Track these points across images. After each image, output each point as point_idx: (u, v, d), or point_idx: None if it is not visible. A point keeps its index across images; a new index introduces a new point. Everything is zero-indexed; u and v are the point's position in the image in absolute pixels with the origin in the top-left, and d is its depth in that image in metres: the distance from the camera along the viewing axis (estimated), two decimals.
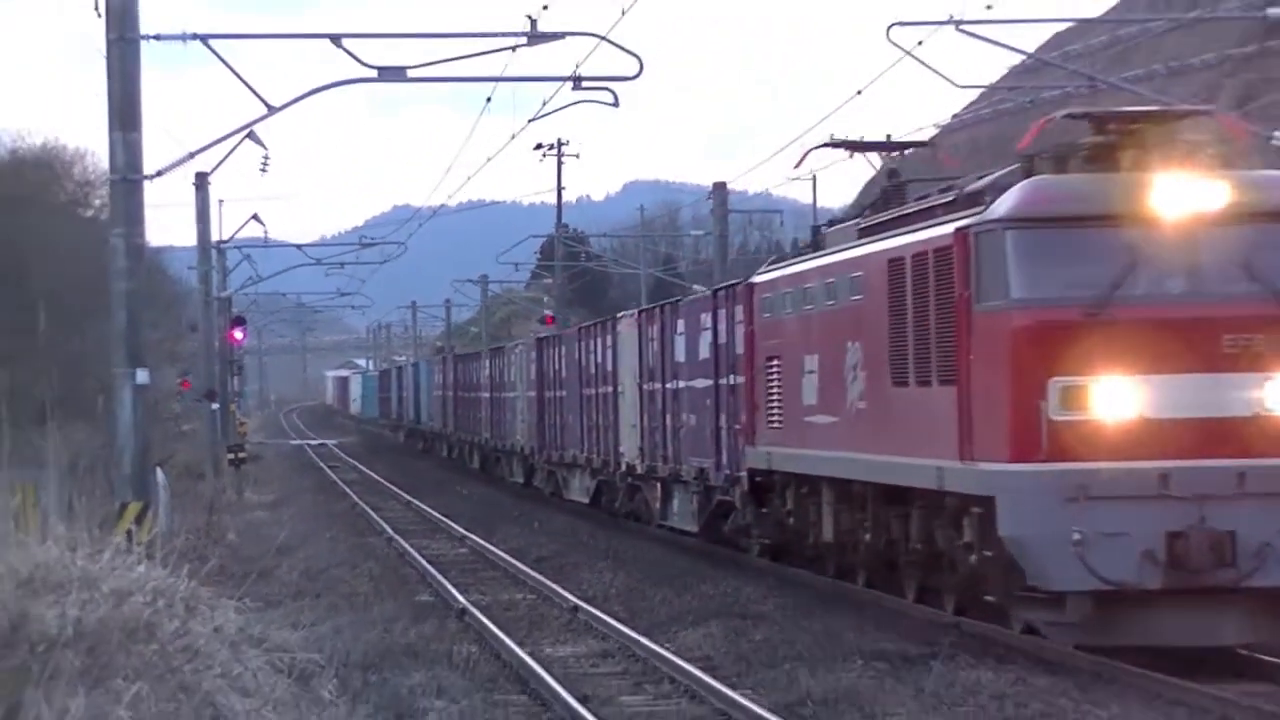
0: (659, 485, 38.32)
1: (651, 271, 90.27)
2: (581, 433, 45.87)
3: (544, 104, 34.52)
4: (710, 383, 33.58)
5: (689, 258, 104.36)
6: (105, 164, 29.41)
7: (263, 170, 55.98)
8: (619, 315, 43.65)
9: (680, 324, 36.39)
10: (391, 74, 28.67)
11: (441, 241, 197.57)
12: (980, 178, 21.97)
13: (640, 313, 40.61)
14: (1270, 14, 45.30)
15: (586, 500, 46.30)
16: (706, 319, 34.08)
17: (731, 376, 31.94)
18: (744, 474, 30.29)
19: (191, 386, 62.43)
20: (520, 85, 60.73)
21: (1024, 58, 51.67)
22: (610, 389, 42.65)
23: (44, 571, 16.33)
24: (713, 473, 33.11)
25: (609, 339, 43.22)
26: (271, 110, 28.83)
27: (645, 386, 39.03)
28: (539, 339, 55.30)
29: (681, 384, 35.99)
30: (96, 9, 27.43)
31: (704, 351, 34.16)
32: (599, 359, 44.20)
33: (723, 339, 32.82)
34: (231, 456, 56.34)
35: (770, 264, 29.97)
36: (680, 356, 36.21)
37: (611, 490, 43.61)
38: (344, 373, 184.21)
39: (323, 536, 38.52)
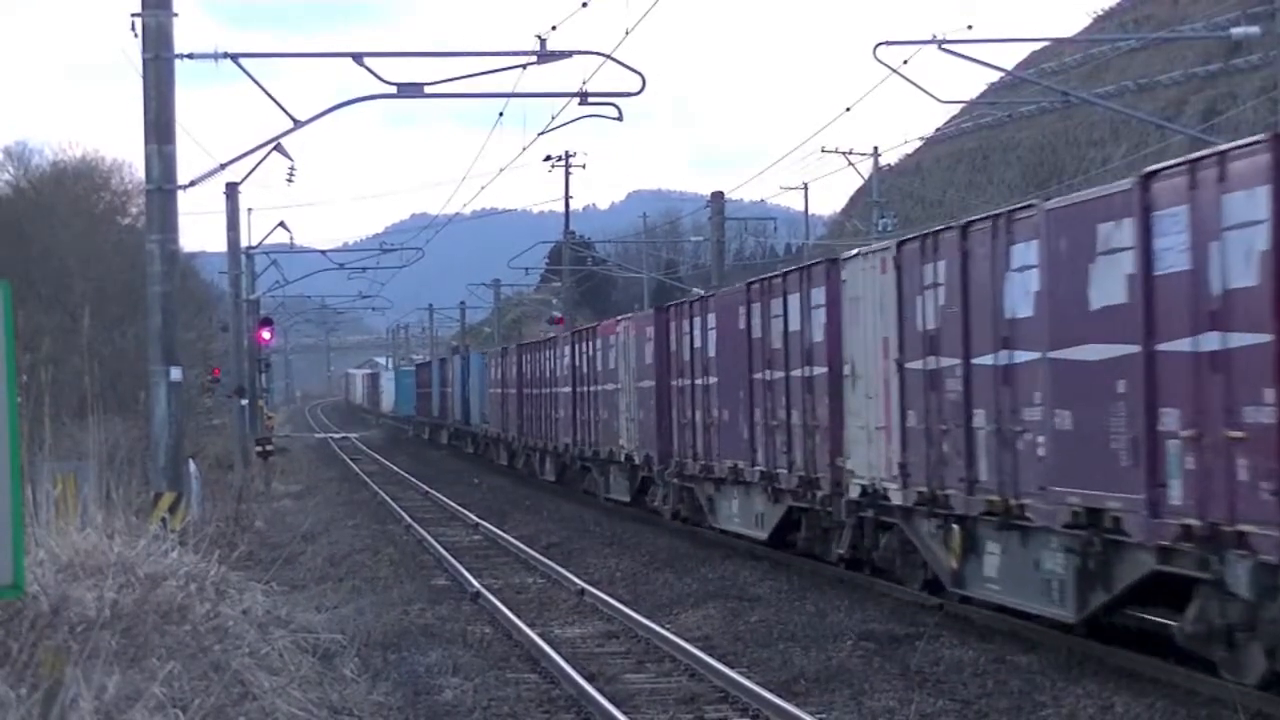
0: (955, 528, 21.51)
1: (654, 275, 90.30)
2: (751, 436, 29.87)
3: (552, 118, 34.51)
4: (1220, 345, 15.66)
5: (689, 262, 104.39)
6: (142, 175, 29.45)
7: (289, 180, 56.12)
8: (846, 256, 25.74)
9: (1067, 241, 18.60)
10: (410, 90, 28.71)
11: (457, 247, 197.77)
12: None
13: (903, 244, 23.02)
14: (1234, 34, 45.33)
15: (764, 535, 30.10)
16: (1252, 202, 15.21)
17: None
18: None
19: (222, 379, 62.29)
20: (530, 100, 60.75)
21: (1003, 75, 51.61)
22: (821, 370, 26.26)
23: (83, 557, 16.34)
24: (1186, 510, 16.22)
25: (820, 293, 26.44)
26: (297, 124, 28.86)
27: (917, 365, 22.38)
28: (660, 308, 38.19)
29: (1059, 355, 18.69)
30: (134, 29, 27.44)
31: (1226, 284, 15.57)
32: (794, 326, 27.66)
33: None
34: (260, 449, 56.25)
35: None
36: (1077, 303, 18.30)
37: (817, 523, 27.51)
38: (372, 369, 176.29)
39: (345, 524, 38.47)
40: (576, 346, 47.59)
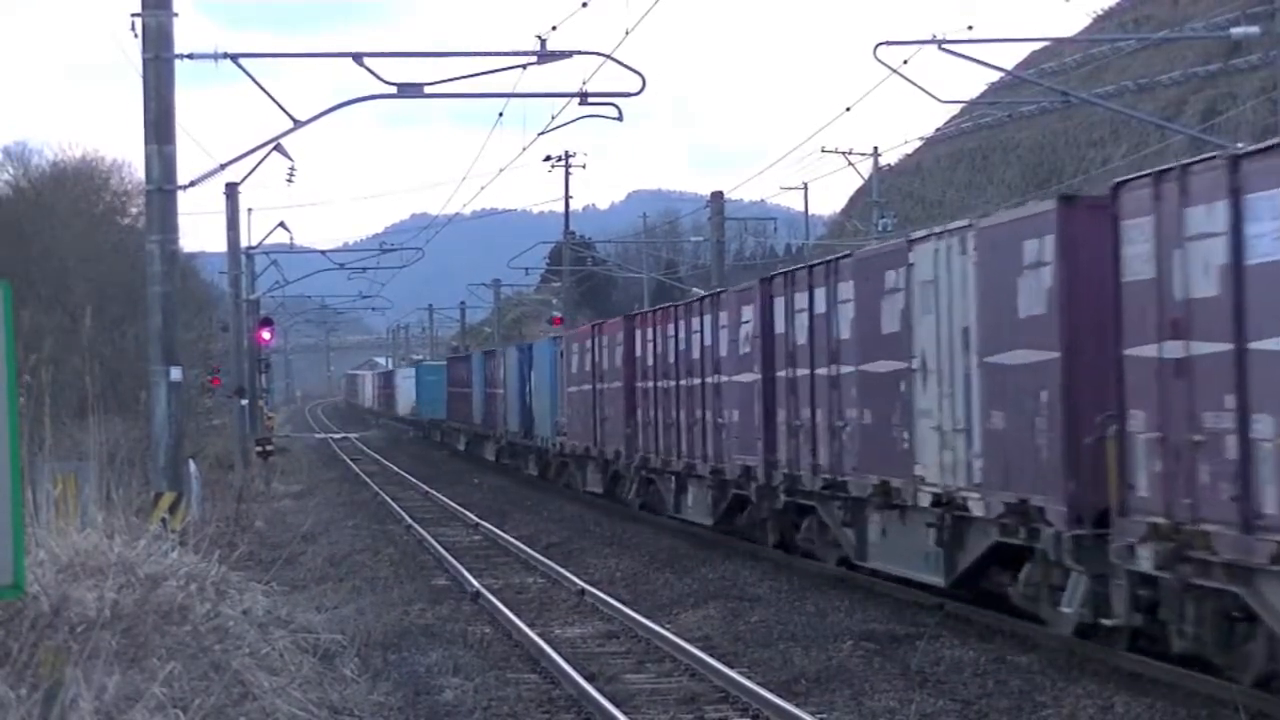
0: None
1: (653, 275, 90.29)
2: None
3: (552, 118, 34.48)
4: None
5: (688, 262, 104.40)
6: (142, 175, 29.46)
7: (289, 180, 56.12)
8: None
9: None
10: (410, 90, 28.73)
11: (457, 247, 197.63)
12: None
13: None
14: (1234, 34, 45.35)
15: None
16: None
17: None
18: None
19: (222, 383, 62.29)
20: (530, 100, 60.68)
21: (1003, 75, 51.62)
22: None
23: (84, 557, 16.33)
24: None
25: None
26: (297, 124, 28.88)
27: None
28: (1070, 198, 19.17)
29: None
30: (134, 29, 27.46)
31: None
32: None
33: None
34: (260, 449, 56.26)
35: None
36: None
37: None
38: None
39: (345, 524, 38.49)
40: (779, 301, 28.29)
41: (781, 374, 28.03)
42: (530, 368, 56.23)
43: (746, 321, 29.92)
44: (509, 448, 63.04)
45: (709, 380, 32.57)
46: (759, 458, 29.03)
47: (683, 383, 34.55)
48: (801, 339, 27.08)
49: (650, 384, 37.59)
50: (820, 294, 26.24)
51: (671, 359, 35.65)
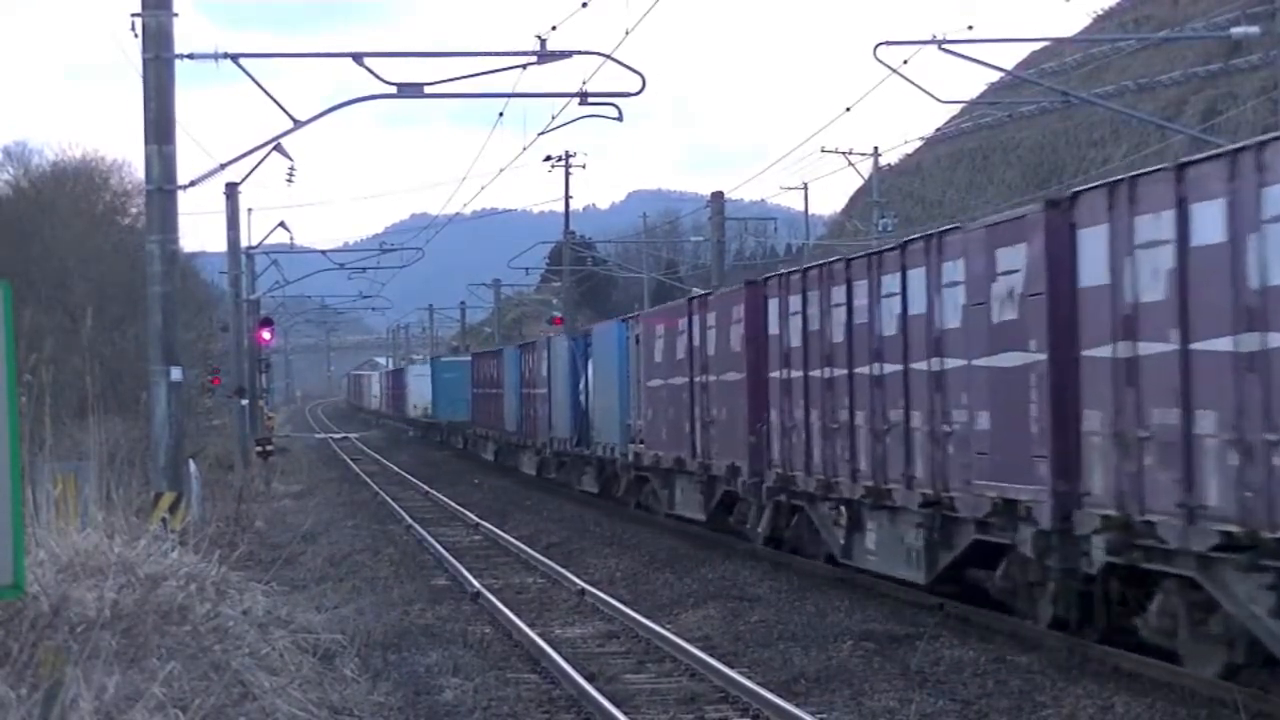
0: None
1: (654, 275, 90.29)
2: None
3: (552, 118, 34.56)
4: None
5: (689, 262, 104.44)
6: (142, 175, 29.49)
7: (289, 180, 56.09)
8: None
9: None
10: (410, 90, 28.75)
11: (457, 247, 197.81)
12: None
13: None
14: (1234, 34, 45.37)
15: None
16: None
17: None
18: None
19: (221, 383, 62.25)
20: (530, 100, 60.68)
21: (1003, 75, 51.64)
22: None
23: (84, 557, 16.35)
24: None
25: None
26: (297, 124, 28.90)
27: None
28: None
29: None
30: (134, 29, 27.48)
31: None
32: None
33: None
34: (260, 449, 56.25)
35: None
36: None
37: None
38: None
39: (345, 524, 38.49)
40: (1090, 234, 17.35)
41: (1095, 353, 17.28)
42: (587, 360, 45.57)
43: (1006, 273, 19.22)
44: (555, 459, 52.18)
45: (917, 366, 22.05)
46: (1043, 487, 18.30)
47: (859, 371, 24.12)
48: (1152, 292, 16.15)
49: (796, 374, 26.78)
50: (1209, 211, 15.20)
51: (839, 337, 24.94)
